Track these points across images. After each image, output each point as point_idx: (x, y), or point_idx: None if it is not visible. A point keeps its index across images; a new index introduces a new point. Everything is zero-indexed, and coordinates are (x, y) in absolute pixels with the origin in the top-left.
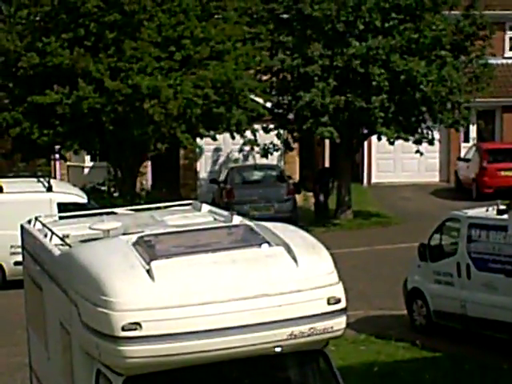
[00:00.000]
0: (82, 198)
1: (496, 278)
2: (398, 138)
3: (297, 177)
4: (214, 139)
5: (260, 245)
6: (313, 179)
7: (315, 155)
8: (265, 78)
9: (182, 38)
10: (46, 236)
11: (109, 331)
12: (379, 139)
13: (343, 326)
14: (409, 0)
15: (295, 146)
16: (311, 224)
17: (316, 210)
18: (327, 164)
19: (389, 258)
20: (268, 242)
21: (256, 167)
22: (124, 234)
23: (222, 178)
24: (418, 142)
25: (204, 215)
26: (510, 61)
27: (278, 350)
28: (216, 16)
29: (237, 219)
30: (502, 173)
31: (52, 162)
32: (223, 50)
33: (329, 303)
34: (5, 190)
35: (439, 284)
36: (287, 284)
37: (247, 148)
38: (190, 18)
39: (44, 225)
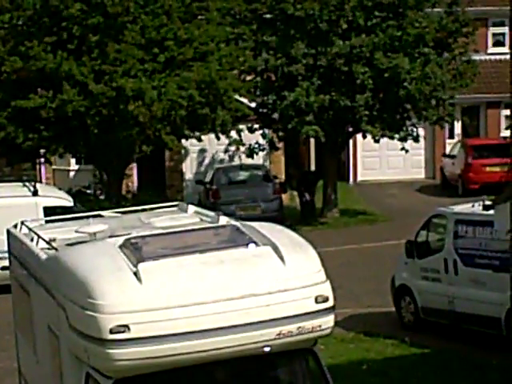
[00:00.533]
0: (68, 202)
1: (483, 273)
2: (382, 135)
3: (283, 176)
4: (199, 140)
5: (247, 245)
6: (298, 179)
7: (301, 154)
8: (249, 78)
9: (166, 40)
10: (32, 240)
11: (97, 334)
12: (364, 137)
13: (331, 324)
14: None
15: (280, 145)
16: (298, 223)
17: (302, 209)
18: (313, 162)
19: (376, 256)
20: (255, 242)
21: (242, 167)
22: (111, 236)
23: (207, 178)
24: (403, 140)
25: (190, 216)
26: (493, 57)
27: (266, 349)
28: (199, 17)
29: (223, 220)
30: (488, 168)
31: (37, 166)
32: (207, 51)
33: (316, 302)
34: None
35: (427, 280)
36: (275, 283)
37: (233, 148)
38: (173, 19)
39: (30, 229)
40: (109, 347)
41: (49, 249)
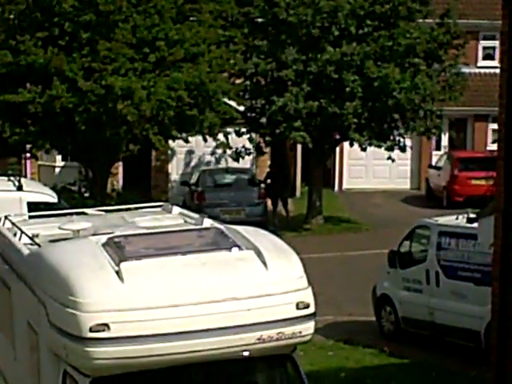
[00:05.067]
0: (53, 198)
1: (465, 286)
2: (370, 144)
3: (268, 181)
4: (187, 141)
5: (230, 248)
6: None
7: (287, 160)
8: (238, 81)
9: (157, 40)
10: (15, 235)
11: (76, 332)
12: (351, 145)
13: (312, 331)
14: (384, 8)
15: (267, 150)
16: (282, 228)
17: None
18: (299, 168)
19: (358, 264)
20: (238, 246)
21: (228, 170)
22: (94, 234)
23: (193, 180)
24: (389, 149)
25: (174, 217)
26: (482, 70)
27: (245, 353)
28: (191, 18)
29: (207, 222)
30: (473, 181)
31: (23, 161)
32: (197, 53)
33: (298, 308)
34: None
35: (408, 291)
36: (256, 288)
37: (219, 151)
38: (164, 20)
39: (13, 224)
40: (88, 345)
41: (31, 244)
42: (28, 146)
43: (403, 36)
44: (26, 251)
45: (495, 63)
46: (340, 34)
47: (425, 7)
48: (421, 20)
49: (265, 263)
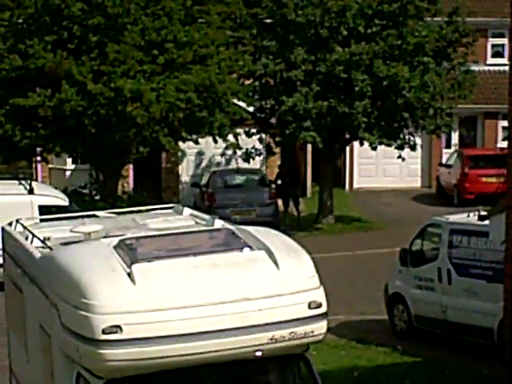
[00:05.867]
0: (64, 201)
1: (477, 283)
2: (380, 143)
3: (279, 181)
4: (197, 143)
5: (241, 249)
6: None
7: (297, 160)
8: (247, 82)
9: (166, 42)
10: (27, 238)
11: (89, 334)
12: (361, 144)
13: (324, 330)
14: (392, 6)
15: (277, 150)
16: (293, 228)
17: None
18: (309, 168)
19: (370, 263)
20: (249, 246)
21: (238, 171)
22: (105, 237)
23: (203, 181)
24: (400, 148)
25: (185, 219)
26: (492, 68)
27: (258, 354)
28: (199, 20)
29: (218, 223)
30: (484, 179)
31: (34, 165)
32: (206, 54)
33: (310, 308)
34: None
35: (420, 289)
36: (268, 288)
37: (229, 152)
38: (173, 21)
39: (25, 227)
40: (101, 347)
41: (43, 247)
42: (38, 150)
43: (412, 35)
44: (37, 254)
45: (504, 61)
46: (348, 33)
47: (433, 5)
48: (429, 18)
49: (276, 263)
